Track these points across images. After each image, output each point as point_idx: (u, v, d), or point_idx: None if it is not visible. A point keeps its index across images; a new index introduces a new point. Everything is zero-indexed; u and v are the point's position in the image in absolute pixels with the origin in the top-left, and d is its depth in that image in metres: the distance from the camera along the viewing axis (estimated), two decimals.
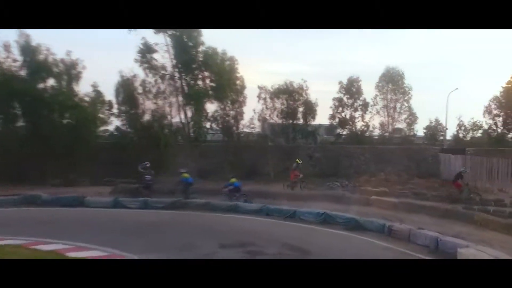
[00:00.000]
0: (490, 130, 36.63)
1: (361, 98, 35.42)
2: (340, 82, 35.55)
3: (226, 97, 27.42)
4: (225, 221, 18.01)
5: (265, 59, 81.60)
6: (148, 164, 22.94)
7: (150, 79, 27.55)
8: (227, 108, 32.63)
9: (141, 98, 27.79)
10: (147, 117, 28.03)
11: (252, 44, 77.36)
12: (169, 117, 27.73)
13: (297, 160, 25.13)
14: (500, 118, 36.30)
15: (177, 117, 27.43)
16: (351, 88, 35.31)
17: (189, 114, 27.25)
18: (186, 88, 26.39)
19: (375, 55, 75.64)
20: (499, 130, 36.34)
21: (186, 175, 22.08)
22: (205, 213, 19.45)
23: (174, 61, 26.17)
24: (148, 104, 27.71)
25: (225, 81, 25.98)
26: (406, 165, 29.71)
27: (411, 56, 74.94)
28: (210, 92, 26.57)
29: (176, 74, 26.53)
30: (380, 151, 30.52)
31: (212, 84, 26.77)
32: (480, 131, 37.39)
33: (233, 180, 21.74)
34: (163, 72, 26.85)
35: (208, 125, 30.97)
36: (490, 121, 36.53)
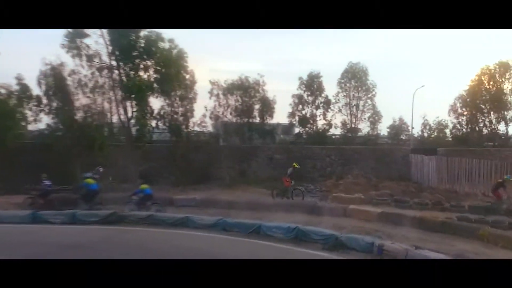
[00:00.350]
0: (454, 130, 34.97)
1: (322, 95, 32.68)
2: (300, 78, 32.82)
3: (173, 91, 23.27)
4: (171, 239, 14.21)
5: (218, 58, 77.75)
6: (102, 169, 19.43)
7: (82, 69, 23.14)
8: (176, 105, 29.10)
9: (71, 91, 23.35)
10: (78, 113, 23.60)
11: (203, 43, 72.97)
12: (105, 113, 23.35)
13: (294, 164, 21.23)
14: (464, 118, 34.72)
15: (116, 113, 23.13)
16: (312, 85, 32.44)
17: (131, 110, 22.88)
18: (125, 79, 22.03)
19: (336, 54, 73.30)
20: (463, 130, 34.72)
21: (90, 180, 18.29)
22: (146, 229, 15.68)
23: (110, 48, 21.76)
24: (80, 98, 23.39)
25: (172, 72, 21.88)
26: (374, 166, 27.06)
27: (374, 56, 73.33)
28: (155, 84, 22.35)
29: (113, 63, 22.18)
30: (346, 151, 27.67)
31: (157, 75, 22.52)
32: (436, 131, 35.74)
33: (144, 186, 18.17)
34: (96, 61, 22.46)
35: (153, 123, 27.14)
36: (455, 120, 34.99)
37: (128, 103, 22.44)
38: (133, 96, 21.43)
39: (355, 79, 33.46)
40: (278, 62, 70.99)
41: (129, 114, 22.52)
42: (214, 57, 74.96)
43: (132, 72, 21.85)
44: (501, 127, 34.43)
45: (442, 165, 23.84)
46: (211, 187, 24.00)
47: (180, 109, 28.91)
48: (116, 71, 22.18)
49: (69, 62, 22.95)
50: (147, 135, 24.02)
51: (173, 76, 21.85)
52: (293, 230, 14.11)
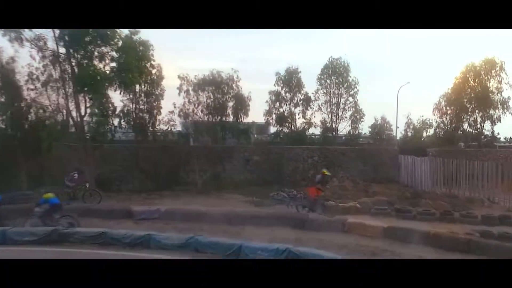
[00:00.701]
0: (438, 129, 32.53)
1: (302, 92, 29.55)
2: (277, 74, 29.49)
3: (135, 84, 19.30)
4: None
5: (188, 57, 73.64)
6: (76, 175, 16.34)
7: (24, 56, 19.02)
8: (141, 102, 25.63)
9: (11, 82, 19.23)
10: (20, 109, 19.45)
11: (172, 41, 68.33)
12: (55, 109, 19.21)
13: (324, 170, 17.16)
14: (448, 116, 32.29)
15: (67, 109, 18.94)
16: (290, 81, 29.28)
17: (85, 105, 18.87)
18: (76, 69, 18.06)
19: (315, 53, 69.76)
20: (447, 129, 32.29)
21: None
22: (96, 251, 12.23)
23: (57, 31, 17.76)
24: (23, 91, 19.22)
25: (131, 61, 18.00)
26: (361, 169, 24.11)
27: (355, 54, 70.11)
28: (112, 75, 18.43)
29: (62, 50, 18.17)
30: (329, 152, 24.54)
31: (114, 64, 18.56)
32: (421, 131, 33.43)
33: (49, 195, 14.02)
34: (41, 46, 18.36)
35: (114, 121, 23.59)
36: (439, 120, 32.53)
37: (81, 97, 18.47)
38: (86, 89, 17.49)
39: (336, 75, 30.42)
40: (252, 60, 67.42)
41: (83, 110, 18.59)
42: (184, 55, 70.84)
43: (85, 61, 17.91)
44: (486, 126, 32.18)
45: (437, 167, 21.08)
46: (180, 193, 20.61)
47: (145, 106, 25.59)
48: (66, 59, 18.19)
49: (7, 48, 18.85)
50: (105, 134, 20.15)
51: (133, 65, 17.99)
52: (283, 252, 10.92)
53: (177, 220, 15.24)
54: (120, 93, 24.45)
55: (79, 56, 17.86)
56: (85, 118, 18.94)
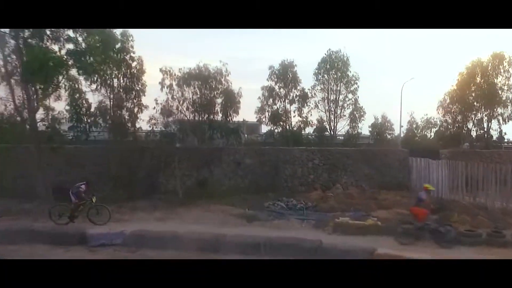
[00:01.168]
0: (442, 128, 28.58)
1: (298, 88, 25.36)
2: (270, 67, 25.25)
3: (97, 70, 14.70)
4: None
5: (173, 55, 69.28)
6: (83, 187, 12.81)
7: None
8: (118, 97, 21.48)
9: None
10: None
11: (157, 39, 63.74)
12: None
13: (427, 185, 12.53)
14: (451, 115, 28.36)
15: (13, 102, 14.22)
16: (286, 75, 25.05)
17: (35, 97, 14.20)
18: (24, 51, 13.50)
19: (311, 52, 65.51)
20: (452, 128, 28.36)
21: None
22: None
23: None
24: None
25: (94, 43, 13.38)
26: (366, 172, 19.92)
27: (355, 50, 65.74)
28: (70, 60, 13.86)
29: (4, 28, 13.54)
30: (332, 154, 20.22)
31: (71, 46, 13.91)
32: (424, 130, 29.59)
33: None
34: None
35: (83, 118, 19.27)
36: (443, 118, 28.61)
37: (30, 86, 13.87)
38: (34, 76, 12.89)
39: (334, 69, 26.20)
40: (245, 60, 63.13)
41: (35, 104, 14.03)
42: (169, 53, 66.44)
43: (34, 40, 13.39)
44: (493, 126, 28.23)
45: (457, 172, 16.99)
46: (158, 204, 16.24)
47: (123, 102, 21.33)
48: (12, 38, 13.60)
49: None
50: (68, 133, 15.69)
51: (95, 48, 13.48)
52: None
53: (146, 246, 10.92)
54: (97, 87, 20.31)
55: (26, 35, 13.29)
56: (38, 114, 14.38)
